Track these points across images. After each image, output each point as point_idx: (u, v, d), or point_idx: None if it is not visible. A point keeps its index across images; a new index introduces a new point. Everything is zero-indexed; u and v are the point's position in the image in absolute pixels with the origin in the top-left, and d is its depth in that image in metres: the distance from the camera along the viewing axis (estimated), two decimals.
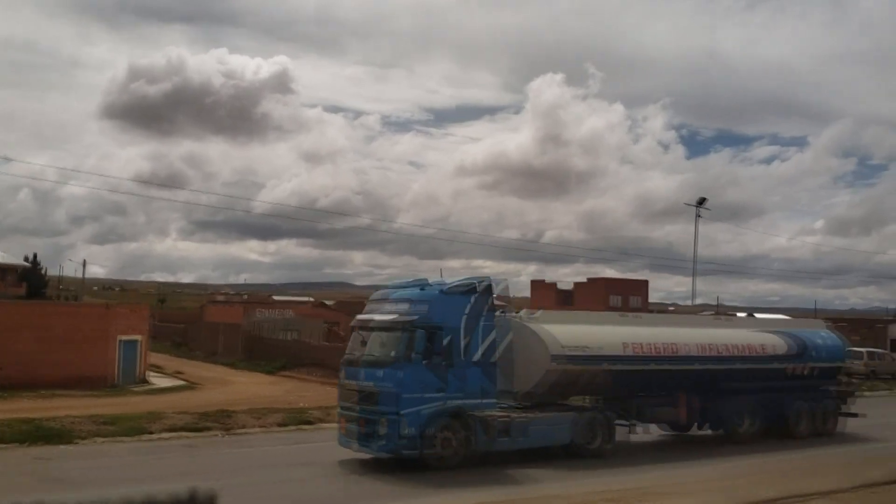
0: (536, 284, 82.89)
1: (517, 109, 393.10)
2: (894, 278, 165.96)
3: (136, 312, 34.58)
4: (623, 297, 74.10)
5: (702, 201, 44.17)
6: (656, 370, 18.22)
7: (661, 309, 76.47)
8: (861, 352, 52.81)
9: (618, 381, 17.79)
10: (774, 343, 20.64)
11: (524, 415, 16.39)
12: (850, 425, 22.24)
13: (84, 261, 78.40)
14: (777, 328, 21.87)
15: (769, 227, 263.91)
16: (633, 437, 18.35)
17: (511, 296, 19.10)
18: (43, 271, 68.76)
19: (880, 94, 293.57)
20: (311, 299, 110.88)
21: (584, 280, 77.34)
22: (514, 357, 16.71)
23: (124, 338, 31.53)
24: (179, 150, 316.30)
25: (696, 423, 19.70)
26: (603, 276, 75.53)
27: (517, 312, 17.71)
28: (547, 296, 79.68)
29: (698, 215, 43.42)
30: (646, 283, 76.56)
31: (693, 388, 19.09)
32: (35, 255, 59.04)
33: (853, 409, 22.34)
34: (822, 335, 22.34)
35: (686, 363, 18.66)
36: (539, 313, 17.79)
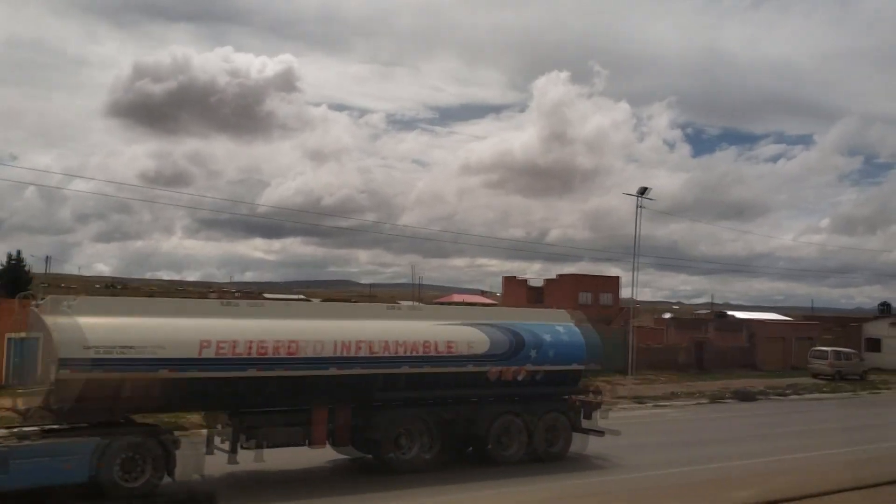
0: (508, 281, 78.28)
1: (522, 108, 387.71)
2: None
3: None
4: (593, 293, 68.86)
5: (643, 191, 39.31)
6: (264, 377, 13.82)
7: (627, 307, 70.78)
8: (826, 351, 47.02)
9: (198, 393, 13.48)
10: (472, 340, 16.07)
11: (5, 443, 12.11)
12: (605, 445, 17.59)
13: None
14: (490, 320, 16.98)
15: (775, 226, 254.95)
16: (250, 465, 14.06)
17: None
18: (26, 268, 67.17)
19: (886, 92, 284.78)
20: (303, 297, 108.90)
21: (555, 277, 72.19)
22: (34, 362, 12.73)
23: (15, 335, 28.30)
24: (184, 148, 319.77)
25: (348, 445, 15.16)
26: (572, 273, 70.24)
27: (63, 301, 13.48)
28: (519, 293, 75.17)
29: (640, 206, 38.52)
30: (617, 279, 71.04)
31: (337, 401, 14.66)
32: (18, 252, 56.83)
33: (604, 424, 17.69)
34: (556, 330, 17.62)
35: (315, 367, 14.24)
36: (78, 301, 13.41)
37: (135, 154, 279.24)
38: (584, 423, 17.49)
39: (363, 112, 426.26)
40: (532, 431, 16.44)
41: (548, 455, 16.73)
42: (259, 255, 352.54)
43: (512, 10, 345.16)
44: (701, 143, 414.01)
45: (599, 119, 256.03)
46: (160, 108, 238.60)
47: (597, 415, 17.76)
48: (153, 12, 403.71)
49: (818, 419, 27.90)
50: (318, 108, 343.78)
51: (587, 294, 68.44)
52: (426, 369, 15.38)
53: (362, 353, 14.67)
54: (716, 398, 35.60)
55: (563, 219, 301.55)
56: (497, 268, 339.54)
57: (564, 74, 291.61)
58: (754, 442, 21.36)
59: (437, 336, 15.63)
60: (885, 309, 57.95)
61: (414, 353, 15.21)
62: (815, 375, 46.45)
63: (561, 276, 70.62)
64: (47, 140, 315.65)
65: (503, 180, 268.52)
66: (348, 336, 14.69)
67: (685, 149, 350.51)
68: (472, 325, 16.43)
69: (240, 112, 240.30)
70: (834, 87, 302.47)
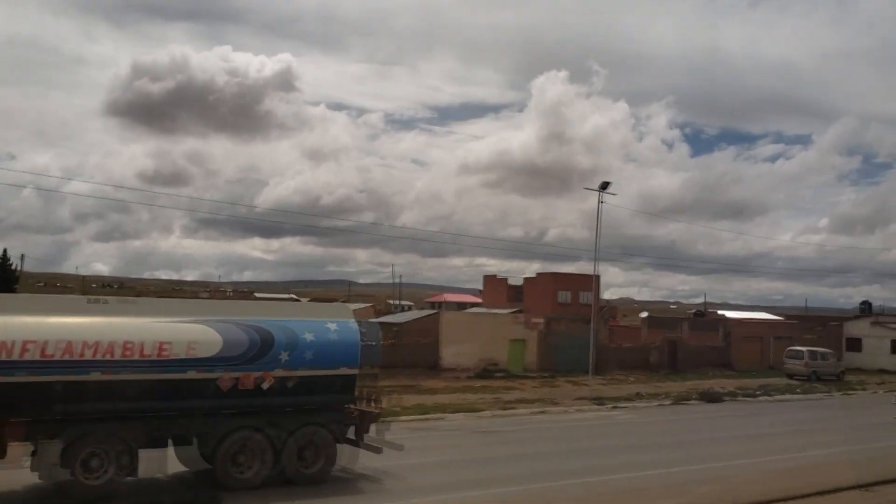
0: (489, 280, 76.92)
1: (521, 107, 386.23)
2: None
3: None
4: (572, 292, 67.44)
5: (605, 186, 38.07)
6: None
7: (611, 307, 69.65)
8: (801, 351, 45.71)
9: None
10: (195, 340, 13.24)
11: None
12: (380, 461, 15.27)
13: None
14: (230, 317, 14.02)
15: (773, 226, 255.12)
16: None
17: None
18: (12, 266, 66.01)
19: (884, 92, 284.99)
20: (294, 296, 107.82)
21: (534, 275, 70.85)
22: None
23: None
24: (182, 147, 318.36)
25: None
26: (552, 272, 68.87)
27: None
28: (499, 292, 73.89)
29: (601, 201, 37.19)
30: (597, 278, 69.45)
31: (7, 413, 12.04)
32: (5, 251, 56.25)
33: (384, 439, 15.16)
34: (324, 328, 14.60)
35: None
36: None
37: (133, 153, 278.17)
38: (357, 437, 14.94)
39: (361, 111, 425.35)
40: (280, 450, 13.77)
41: (301, 477, 14.06)
42: (258, 254, 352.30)
43: (510, 9, 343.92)
44: (699, 142, 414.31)
45: (598, 118, 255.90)
46: (158, 108, 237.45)
47: (378, 428, 15.18)
48: (151, 11, 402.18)
49: (775, 422, 26.64)
50: (316, 107, 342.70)
51: (566, 293, 67.05)
52: (125, 376, 12.63)
53: (29, 357, 11.94)
54: (681, 399, 34.39)
55: (562, 218, 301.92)
56: (495, 267, 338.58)
57: (563, 74, 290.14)
58: (687, 448, 20.12)
59: (146, 336, 12.86)
60: (865, 308, 56.60)
61: (108, 357, 12.44)
62: (790, 376, 45.19)
63: (540, 274, 69.27)
64: (45, 139, 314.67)
65: (501, 180, 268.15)
66: (12, 335, 11.96)
67: (684, 148, 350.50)
68: (201, 322, 13.52)
69: (238, 111, 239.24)
70: (832, 86, 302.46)
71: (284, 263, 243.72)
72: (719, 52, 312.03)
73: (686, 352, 48.51)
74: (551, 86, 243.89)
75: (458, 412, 26.30)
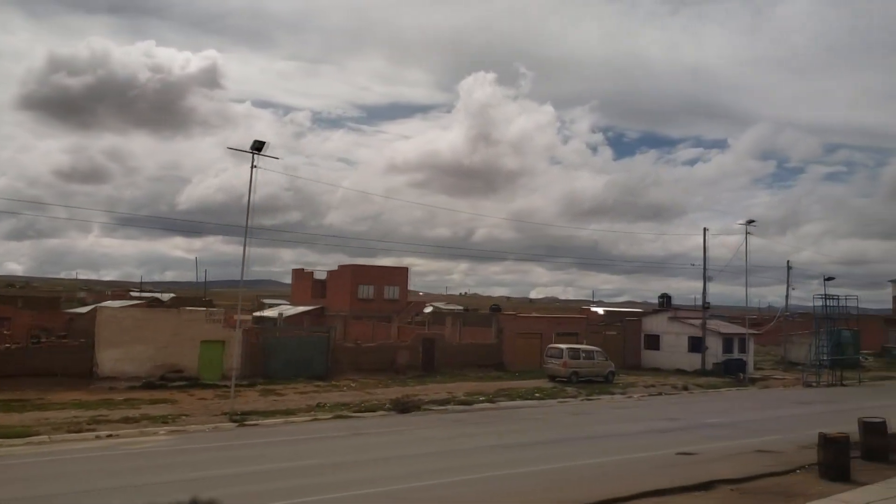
0: (297, 273, 70.44)
1: (449, 108, 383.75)
2: (809, 277, 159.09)
3: None
4: (376, 286, 61.43)
5: (259, 146, 32.00)
6: None
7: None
8: (560, 349, 40.48)
9: None
10: None
11: None
12: None
13: None
14: None
15: (691, 227, 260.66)
16: None
17: None
18: None
19: (796, 98, 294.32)
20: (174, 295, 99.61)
21: (336, 268, 64.63)
22: None
23: None
24: (101, 143, 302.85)
25: None
26: (353, 264, 62.84)
27: None
28: (305, 286, 67.52)
29: (254, 165, 31.29)
30: (405, 270, 63.98)
31: None
32: None
33: None
34: None
35: None
36: None
37: (48, 149, 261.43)
38: None
39: (288, 109, 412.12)
40: None
41: None
42: (180, 254, 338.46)
43: (439, 11, 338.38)
44: (622, 146, 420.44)
45: (524, 121, 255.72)
46: (76, 102, 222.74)
47: None
48: (71, 3, 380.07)
49: (362, 446, 20.63)
50: (241, 104, 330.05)
51: (368, 287, 61.01)
52: None
53: None
54: (370, 409, 28.52)
55: (489, 218, 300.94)
56: (423, 267, 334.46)
57: (491, 76, 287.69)
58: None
59: None
60: (664, 302, 52.16)
61: None
62: (552, 377, 40.04)
63: (342, 267, 63.07)
64: None
65: (429, 180, 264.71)
66: None
67: (607, 152, 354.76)
68: None
69: (160, 107, 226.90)
70: (748, 92, 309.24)
71: (207, 263, 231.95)
72: (641, 57, 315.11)
73: (446, 351, 42.82)
74: (479, 87, 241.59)
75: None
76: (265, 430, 23.34)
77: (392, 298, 61.89)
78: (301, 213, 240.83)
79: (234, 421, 25.17)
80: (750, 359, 49.15)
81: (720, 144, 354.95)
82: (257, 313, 64.29)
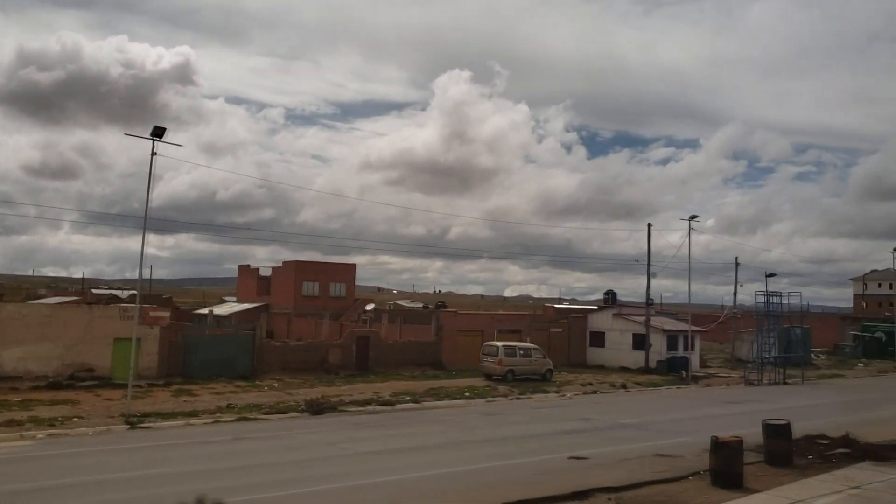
0: (242, 269, 68.77)
1: (424, 106, 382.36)
2: (780, 275, 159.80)
3: None
4: (322, 283, 59.98)
5: (159, 132, 30.17)
6: None
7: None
8: (496, 347, 39.38)
9: None
10: None
11: None
12: None
13: None
14: None
15: (663, 226, 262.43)
16: None
17: None
18: None
19: (767, 99, 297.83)
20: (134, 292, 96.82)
21: (280, 264, 63.09)
22: None
23: None
24: (72, 139, 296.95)
25: None
26: (296, 260, 61.30)
27: None
28: (250, 282, 65.88)
29: (154, 153, 29.86)
30: (353, 267, 62.64)
31: None
32: None
33: None
34: None
35: None
36: None
37: (17, 144, 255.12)
38: None
39: (261, 106, 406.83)
40: None
41: None
42: (152, 251, 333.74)
43: (414, 7, 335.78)
44: (595, 145, 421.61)
45: (499, 119, 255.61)
46: (46, 97, 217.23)
47: None
48: None
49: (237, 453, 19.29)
50: (214, 100, 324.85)
51: (313, 284, 59.53)
52: None
53: None
54: (283, 410, 27.26)
55: (464, 217, 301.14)
56: (398, 265, 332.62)
57: (466, 73, 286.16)
58: None
59: None
60: (609, 298, 51.30)
61: None
62: (488, 376, 38.96)
63: (286, 263, 61.52)
64: None
65: (403, 178, 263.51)
66: None
67: (581, 151, 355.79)
68: None
69: (132, 103, 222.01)
70: (719, 93, 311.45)
71: (180, 260, 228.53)
72: (615, 57, 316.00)
73: (381, 350, 41.55)
74: (454, 85, 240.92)
75: None
76: (154, 434, 21.95)
77: (338, 295, 60.49)
78: (275, 210, 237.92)
79: (129, 423, 23.75)
80: (695, 356, 48.47)
81: (692, 144, 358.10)
82: (201, 310, 62.57)
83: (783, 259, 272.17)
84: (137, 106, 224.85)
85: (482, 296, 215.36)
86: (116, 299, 67.32)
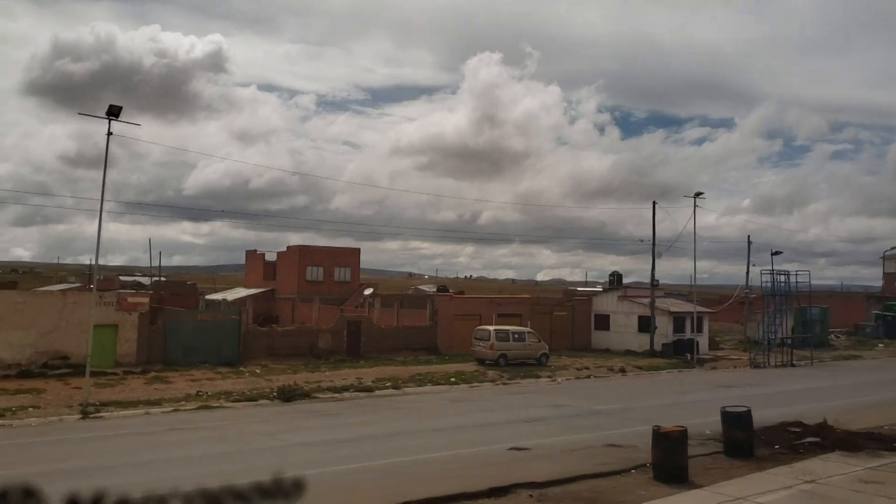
0: (250, 255, 68.26)
1: (454, 90, 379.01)
2: (816, 255, 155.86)
3: None
4: (326, 267, 59.15)
5: (115, 111, 29.29)
6: None
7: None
8: (487, 331, 38.20)
9: None
10: None
11: None
12: None
13: None
14: None
15: (699, 207, 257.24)
16: None
17: None
18: None
19: (802, 77, 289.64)
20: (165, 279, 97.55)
21: (285, 249, 62.32)
22: None
23: None
24: (106, 129, 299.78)
25: None
26: (300, 245, 60.50)
27: None
28: (258, 267, 65.37)
29: (109, 132, 29.03)
30: (357, 251, 61.55)
31: None
32: None
33: None
34: None
35: None
36: None
37: (53, 134, 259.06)
38: None
39: (293, 93, 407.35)
40: None
41: None
42: (187, 238, 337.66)
43: None
44: (629, 125, 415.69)
45: (530, 101, 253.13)
46: (81, 88, 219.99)
47: None
48: None
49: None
50: (246, 88, 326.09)
51: (317, 269, 58.74)
52: None
53: None
54: (248, 399, 26.51)
55: (495, 201, 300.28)
56: (430, 250, 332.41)
57: (496, 56, 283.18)
58: None
59: None
60: (614, 280, 49.69)
61: None
62: (480, 361, 37.81)
63: (290, 247, 60.79)
64: None
65: (434, 162, 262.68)
66: None
67: (614, 132, 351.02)
68: None
69: (166, 92, 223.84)
70: (755, 71, 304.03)
71: (215, 248, 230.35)
72: (648, 36, 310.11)
73: (374, 335, 40.61)
74: (485, 68, 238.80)
75: None
76: (101, 424, 21.20)
77: (343, 280, 59.63)
78: (308, 197, 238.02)
79: (84, 413, 23.07)
80: (704, 339, 46.77)
81: (727, 123, 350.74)
82: (211, 296, 62.21)
83: (820, 239, 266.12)
84: (170, 95, 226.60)
85: (513, 280, 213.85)
86: (140, 286, 67.45)
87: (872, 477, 13.80)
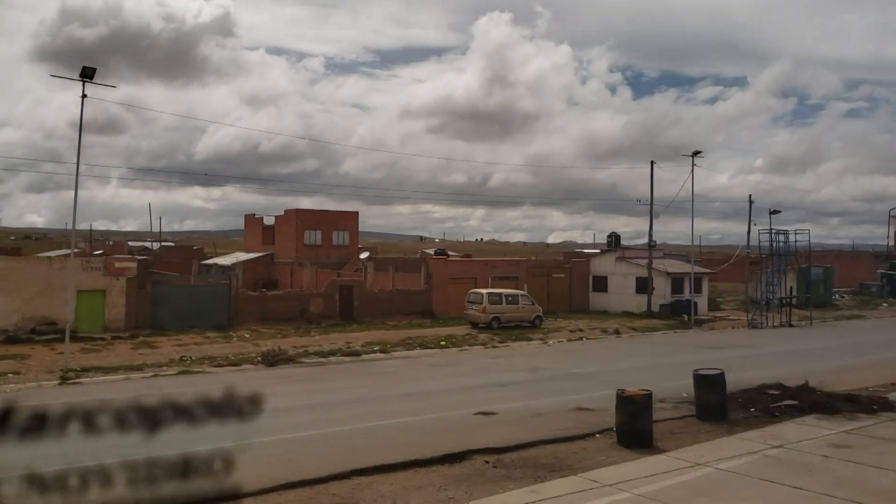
0: (249, 219, 68.00)
1: (464, 50, 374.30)
2: (829, 215, 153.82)
3: None
4: (324, 231, 58.82)
5: (90, 73, 28.58)
6: None
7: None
8: (480, 294, 37.83)
9: None
10: None
11: None
12: None
13: None
14: None
15: (712, 166, 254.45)
16: None
17: None
18: None
19: (817, 35, 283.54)
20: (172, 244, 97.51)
21: (282, 213, 61.97)
22: None
23: None
24: (116, 94, 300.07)
25: None
26: (298, 208, 60.14)
27: None
28: (256, 232, 65.18)
29: (84, 94, 28.51)
30: (355, 214, 61.16)
31: None
32: None
33: None
34: None
35: None
36: None
37: (64, 101, 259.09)
38: None
39: (301, 56, 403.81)
40: None
41: None
42: (199, 203, 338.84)
43: None
44: (640, 85, 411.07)
45: (541, 62, 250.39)
46: (89, 53, 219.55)
47: None
48: None
49: None
50: (255, 52, 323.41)
51: (315, 233, 58.41)
52: None
53: None
54: (232, 363, 26.31)
55: (506, 163, 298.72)
56: (441, 214, 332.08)
57: (506, 15, 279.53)
58: None
59: None
60: (613, 241, 49.06)
61: None
62: (473, 324, 37.50)
63: (287, 211, 60.41)
64: None
65: (444, 125, 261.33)
66: None
67: (625, 92, 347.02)
68: None
69: (174, 57, 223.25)
70: (768, 30, 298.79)
71: (226, 212, 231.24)
72: None
73: (367, 299, 40.33)
74: (494, 28, 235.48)
75: None
76: (75, 390, 21.05)
77: (341, 244, 59.31)
78: (318, 161, 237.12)
79: (63, 379, 22.94)
80: (703, 299, 46.24)
81: (740, 82, 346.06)
82: (209, 261, 62.11)
83: (833, 198, 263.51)
84: (179, 60, 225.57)
85: (524, 243, 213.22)
86: (147, 251, 67.54)
87: (844, 441, 13.37)
